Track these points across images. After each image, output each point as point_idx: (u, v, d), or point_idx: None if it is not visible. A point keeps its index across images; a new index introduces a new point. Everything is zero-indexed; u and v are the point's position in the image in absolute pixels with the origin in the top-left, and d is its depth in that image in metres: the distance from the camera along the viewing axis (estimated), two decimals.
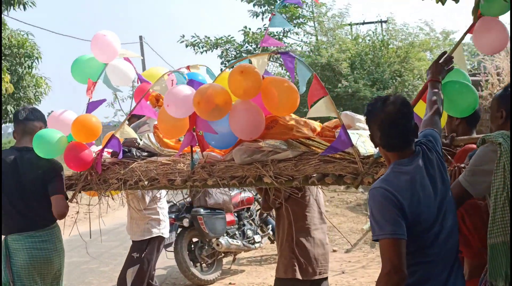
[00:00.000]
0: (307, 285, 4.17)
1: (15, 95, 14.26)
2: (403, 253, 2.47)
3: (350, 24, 23.31)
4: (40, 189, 4.08)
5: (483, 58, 9.84)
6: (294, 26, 23.26)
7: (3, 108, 14.24)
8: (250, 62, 3.82)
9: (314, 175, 3.29)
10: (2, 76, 12.62)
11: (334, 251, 8.47)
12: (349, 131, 3.38)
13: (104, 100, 4.55)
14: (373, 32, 20.84)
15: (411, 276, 2.55)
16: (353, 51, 18.56)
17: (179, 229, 6.99)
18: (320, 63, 18.30)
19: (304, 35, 23.64)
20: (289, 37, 23.59)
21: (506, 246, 2.66)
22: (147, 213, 5.27)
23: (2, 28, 13.37)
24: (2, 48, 13.72)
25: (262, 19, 23.43)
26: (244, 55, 23.48)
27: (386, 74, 17.77)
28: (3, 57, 13.62)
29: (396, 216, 2.50)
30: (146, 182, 3.85)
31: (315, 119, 3.91)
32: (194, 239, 7.19)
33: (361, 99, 17.14)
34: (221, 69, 23.90)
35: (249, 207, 7.90)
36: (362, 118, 4.02)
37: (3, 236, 4.07)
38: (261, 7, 23.24)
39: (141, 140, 4.38)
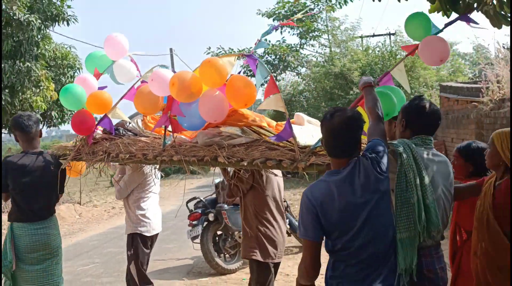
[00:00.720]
0: (264, 266, 4.51)
1: (58, 102, 14.46)
2: (313, 252, 2.69)
3: (361, 37, 23.29)
4: (50, 188, 4.37)
5: (484, 67, 9.74)
6: (310, 39, 23.30)
7: (48, 113, 14.43)
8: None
9: (259, 159, 3.52)
10: (48, 85, 12.81)
11: None
12: (295, 126, 3.74)
13: (105, 87, 4.62)
14: (382, 44, 20.79)
15: (334, 269, 2.76)
16: (364, 61, 18.51)
17: (205, 223, 7.03)
18: (333, 72, 18.29)
19: (319, 46, 23.67)
20: (305, 48, 23.60)
21: (410, 241, 2.83)
22: (127, 210, 5.29)
23: (48, 42, 13.54)
24: (49, 59, 13.90)
25: (281, 32, 23.49)
26: (264, 65, 23.53)
27: (394, 82, 17.69)
28: (49, 68, 13.81)
29: (311, 221, 2.67)
30: (125, 155, 4.11)
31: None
32: (219, 232, 7.22)
33: None
34: None
35: None
36: (312, 119, 4.47)
37: (8, 222, 4.35)
38: (279, 22, 23.28)
39: (130, 123, 4.71)
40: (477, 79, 12.40)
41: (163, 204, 7.71)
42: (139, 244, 5.27)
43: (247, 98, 3.73)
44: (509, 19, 3.22)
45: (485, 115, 8.84)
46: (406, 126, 3.15)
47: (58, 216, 13.58)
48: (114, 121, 4.56)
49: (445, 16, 3.41)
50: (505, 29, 3.39)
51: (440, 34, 3.51)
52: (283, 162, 3.44)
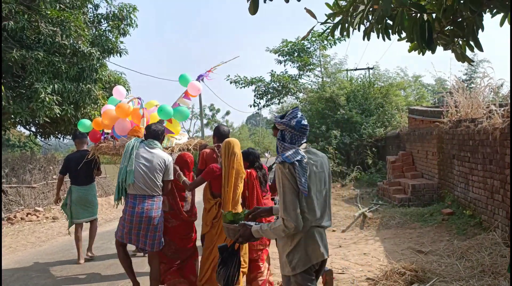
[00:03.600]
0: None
1: None
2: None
3: (347, 70, 23.23)
4: (89, 168, 6.45)
5: (444, 95, 9.66)
6: (307, 71, 23.33)
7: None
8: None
9: None
10: (104, 102, 12.79)
11: (334, 231, 8.32)
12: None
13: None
14: (363, 76, 20.74)
15: None
16: (349, 88, 18.45)
17: None
18: (325, 97, 18.24)
19: (313, 77, 23.66)
20: (303, 78, 23.62)
21: (118, 188, 4.56)
22: None
23: (104, 69, 13.52)
24: (105, 83, 13.85)
25: (284, 65, 23.54)
26: (270, 90, 23.58)
27: (372, 105, 17.61)
28: (105, 89, 13.76)
29: None
30: (99, 151, 5.80)
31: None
32: None
33: (353, 123, 16.95)
34: (254, 100, 24.13)
35: (274, 198, 7.78)
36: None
37: (69, 185, 6.63)
38: (283, 57, 23.30)
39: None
40: (438, 104, 12.31)
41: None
42: None
43: (139, 120, 5.53)
44: (471, 60, 3.18)
45: (445, 132, 8.76)
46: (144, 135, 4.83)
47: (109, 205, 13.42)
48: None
49: (420, 54, 3.35)
50: (460, 65, 3.33)
51: None
52: None
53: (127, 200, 4.47)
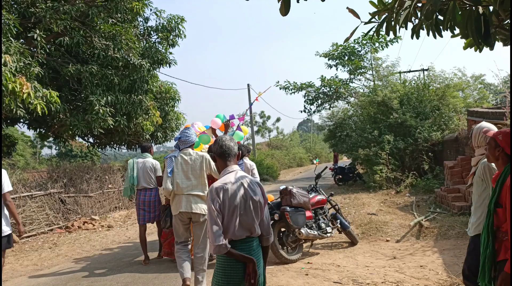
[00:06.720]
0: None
1: (162, 125, 14.78)
2: None
3: (400, 72, 22.45)
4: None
5: (506, 95, 9.01)
6: (358, 75, 22.83)
7: (155, 134, 14.74)
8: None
9: None
10: (154, 112, 13.08)
11: (387, 240, 7.93)
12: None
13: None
14: (417, 78, 19.90)
15: None
16: (402, 91, 17.73)
17: (271, 221, 6.79)
18: (376, 101, 17.67)
19: (365, 80, 23.18)
20: (354, 82, 23.17)
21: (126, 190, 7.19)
22: None
23: (155, 80, 13.84)
24: (155, 93, 14.17)
25: (336, 69, 23.16)
26: (321, 95, 23.25)
27: (427, 108, 16.83)
28: (155, 99, 14.10)
29: None
30: None
31: None
32: (282, 229, 6.95)
33: (407, 127, 16.30)
34: (304, 106, 23.85)
35: (323, 206, 7.55)
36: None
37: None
38: (333, 61, 22.95)
39: None
40: (500, 105, 11.56)
41: None
42: None
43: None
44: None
45: None
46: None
47: None
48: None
49: (477, 51, 3.05)
50: None
51: None
52: None
53: (136, 193, 7.02)
